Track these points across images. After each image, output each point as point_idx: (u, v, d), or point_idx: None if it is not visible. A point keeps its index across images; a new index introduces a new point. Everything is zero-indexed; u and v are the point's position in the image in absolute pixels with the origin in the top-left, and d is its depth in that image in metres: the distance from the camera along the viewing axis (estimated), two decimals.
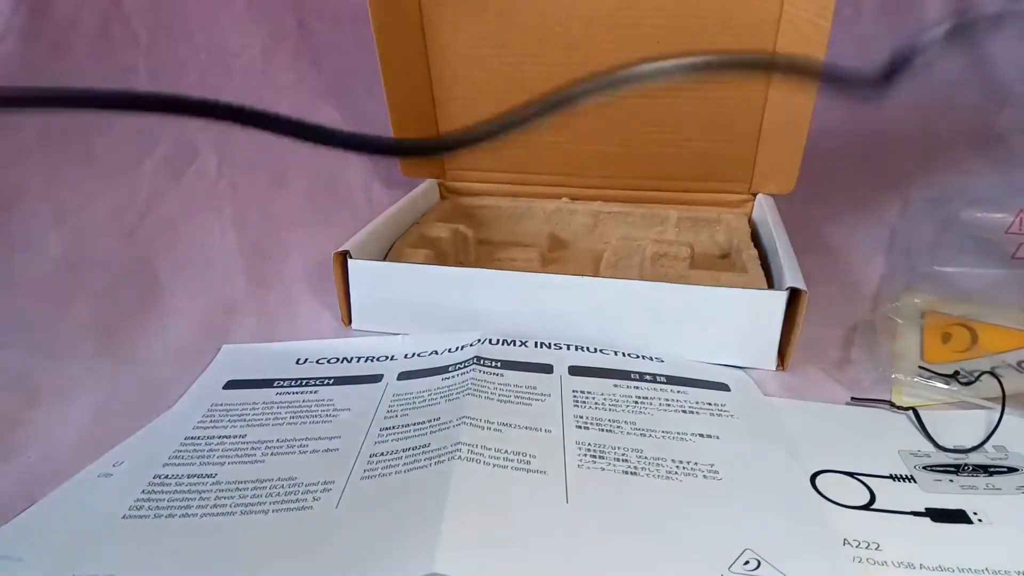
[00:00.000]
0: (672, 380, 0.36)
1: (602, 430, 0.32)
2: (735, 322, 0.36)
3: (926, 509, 0.28)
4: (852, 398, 0.35)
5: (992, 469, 0.30)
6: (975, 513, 0.27)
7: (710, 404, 0.34)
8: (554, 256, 0.48)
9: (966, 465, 0.30)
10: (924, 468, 0.30)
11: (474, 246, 0.47)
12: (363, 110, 0.64)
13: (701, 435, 0.32)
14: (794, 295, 0.35)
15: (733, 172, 0.48)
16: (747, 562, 0.24)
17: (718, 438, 0.31)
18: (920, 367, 0.36)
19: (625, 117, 0.47)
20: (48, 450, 0.32)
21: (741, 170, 0.48)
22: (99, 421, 0.34)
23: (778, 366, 0.37)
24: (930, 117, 0.63)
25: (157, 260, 0.48)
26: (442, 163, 0.53)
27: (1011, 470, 0.30)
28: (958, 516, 0.27)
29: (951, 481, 0.29)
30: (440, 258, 0.44)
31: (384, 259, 0.43)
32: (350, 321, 0.42)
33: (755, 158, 0.47)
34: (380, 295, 0.41)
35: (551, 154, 0.50)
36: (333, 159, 0.61)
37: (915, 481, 0.29)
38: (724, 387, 0.35)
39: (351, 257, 0.40)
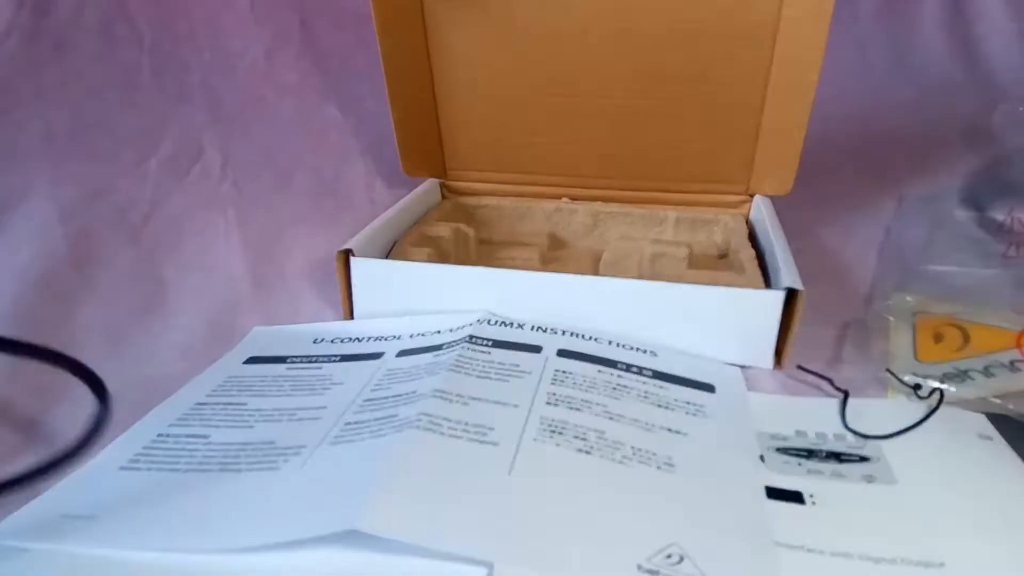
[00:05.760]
0: (658, 375, 0.36)
1: (571, 408, 0.32)
2: (732, 321, 0.37)
3: (764, 488, 0.28)
4: (798, 366, 0.35)
5: (844, 457, 0.30)
6: (811, 496, 0.28)
7: (688, 403, 0.34)
8: (554, 255, 0.48)
9: (820, 451, 0.31)
10: (776, 450, 0.31)
11: (475, 245, 0.48)
12: (365, 110, 0.65)
13: (669, 430, 0.31)
14: (791, 295, 0.36)
15: (731, 173, 0.49)
16: (669, 555, 0.24)
17: (686, 435, 0.31)
18: (913, 365, 0.36)
19: (625, 118, 0.48)
20: (52, 451, 0.32)
21: (739, 171, 0.48)
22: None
23: (775, 365, 0.38)
24: (925, 117, 0.64)
25: (162, 260, 0.48)
26: (443, 163, 0.53)
27: (862, 459, 0.30)
28: (792, 496, 0.28)
29: (799, 464, 0.30)
30: (441, 257, 0.44)
31: (386, 258, 0.43)
32: (352, 319, 0.42)
33: (753, 159, 0.48)
34: (382, 293, 0.41)
35: (551, 155, 0.51)
36: (337, 159, 0.62)
37: (763, 461, 0.30)
38: (710, 388, 0.35)
39: (354, 255, 0.40)
